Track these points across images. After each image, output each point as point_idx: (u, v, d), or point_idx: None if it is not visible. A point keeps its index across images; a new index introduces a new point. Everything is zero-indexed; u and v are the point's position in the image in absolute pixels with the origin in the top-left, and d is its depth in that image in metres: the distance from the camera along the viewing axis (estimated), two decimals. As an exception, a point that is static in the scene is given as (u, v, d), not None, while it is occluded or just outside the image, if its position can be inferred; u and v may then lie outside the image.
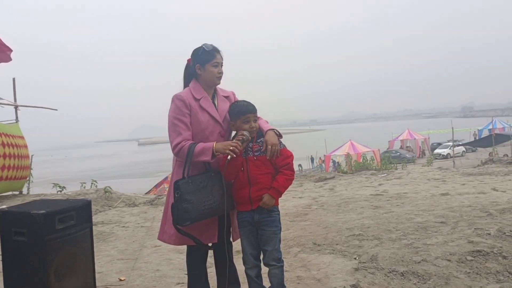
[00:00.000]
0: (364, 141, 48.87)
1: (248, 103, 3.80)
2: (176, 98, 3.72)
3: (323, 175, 16.98)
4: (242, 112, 3.74)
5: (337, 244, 6.04)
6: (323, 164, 40.25)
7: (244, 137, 3.61)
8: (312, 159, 47.49)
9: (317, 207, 9.12)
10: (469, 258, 5.16)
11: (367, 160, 33.06)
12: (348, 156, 36.18)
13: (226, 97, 3.93)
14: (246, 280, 3.87)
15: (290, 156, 3.78)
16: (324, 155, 41.85)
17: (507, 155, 22.13)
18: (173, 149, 3.65)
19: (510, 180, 11.04)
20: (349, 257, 5.41)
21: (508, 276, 4.81)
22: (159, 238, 3.87)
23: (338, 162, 39.26)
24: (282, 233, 6.88)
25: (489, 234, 5.85)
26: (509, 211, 7.26)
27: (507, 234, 5.85)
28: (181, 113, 3.66)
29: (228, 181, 3.66)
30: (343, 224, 7.16)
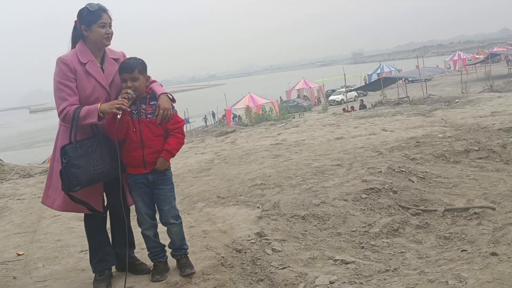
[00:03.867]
0: (262, 93, 49.52)
1: (129, 61, 3.65)
2: (61, 62, 3.51)
3: (224, 129, 17.09)
4: (119, 71, 3.63)
5: (240, 195, 6.16)
6: (224, 119, 40.40)
7: (129, 95, 3.49)
8: (213, 114, 47.48)
9: (220, 161, 9.19)
10: (363, 196, 5.49)
11: (266, 111, 33.73)
12: (247, 108, 36.64)
13: (116, 59, 3.74)
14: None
15: (181, 121, 3.79)
16: (225, 109, 41.98)
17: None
18: (59, 115, 3.50)
19: (397, 120, 11.77)
20: (252, 206, 5.54)
21: (399, 209, 5.20)
22: (43, 202, 3.77)
23: (238, 116, 39.63)
24: (186, 189, 6.94)
25: (381, 172, 6.23)
26: (397, 149, 7.77)
27: (396, 170, 6.27)
28: (66, 78, 3.47)
29: (119, 141, 3.54)
30: (246, 175, 7.29)
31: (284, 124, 15.16)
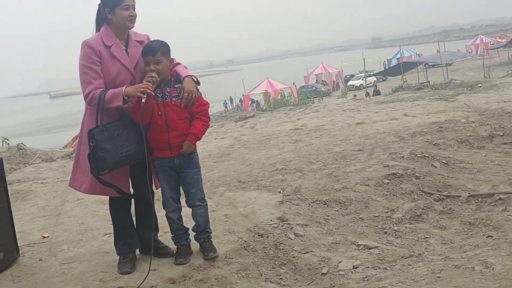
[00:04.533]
0: (280, 78, 49.26)
1: (151, 44, 3.63)
2: (86, 45, 3.52)
3: (243, 114, 17.07)
4: (142, 54, 3.62)
5: (261, 180, 6.15)
6: (242, 104, 40.33)
7: (154, 79, 3.49)
8: (231, 100, 47.43)
9: (240, 146, 9.20)
10: (385, 181, 5.44)
11: (285, 96, 33.56)
12: (266, 94, 36.50)
13: (140, 42, 3.74)
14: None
15: (206, 104, 3.78)
16: (243, 95, 41.90)
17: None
18: (84, 99, 3.52)
19: (419, 105, 11.63)
20: (273, 191, 5.54)
21: (421, 195, 5.15)
22: (70, 185, 3.79)
23: (257, 101, 39.53)
24: (207, 174, 6.95)
25: (403, 157, 6.18)
26: (419, 134, 7.68)
27: (418, 155, 6.21)
28: (91, 61, 3.48)
29: (144, 124, 3.55)
30: (266, 160, 7.28)
31: (303, 109, 15.09)
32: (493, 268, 3.03)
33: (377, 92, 28.32)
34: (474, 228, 4.22)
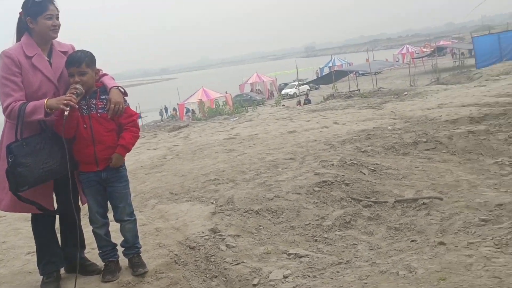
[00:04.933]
0: (216, 87, 49.25)
1: (76, 54, 3.51)
2: (4, 55, 3.35)
3: (177, 124, 16.92)
4: (66, 66, 3.49)
5: (194, 191, 6.10)
6: (177, 113, 39.95)
7: (78, 90, 3.37)
8: (166, 109, 46.87)
9: (173, 156, 9.09)
10: (316, 189, 5.54)
11: (219, 105, 33.59)
12: (201, 103, 36.38)
13: (64, 52, 3.60)
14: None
15: (134, 115, 3.71)
16: (178, 104, 41.51)
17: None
18: (3, 112, 3.34)
19: (349, 113, 11.97)
20: (206, 202, 5.50)
21: (351, 202, 5.29)
22: None
23: (192, 110, 39.28)
24: (138, 186, 6.81)
25: (333, 164, 6.31)
26: (349, 141, 7.89)
27: (348, 163, 6.37)
28: (11, 72, 3.32)
29: (68, 138, 3.42)
30: (199, 171, 7.23)
31: (237, 118, 15.16)
32: (415, 272, 3.14)
33: (308, 101, 28.82)
34: (399, 233, 4.38)
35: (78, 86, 3.40)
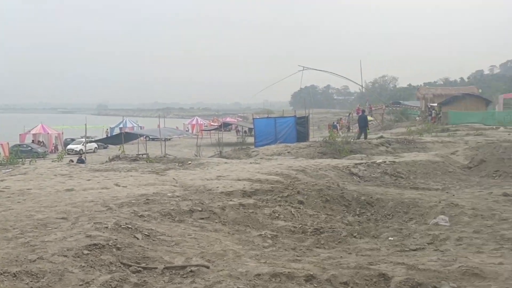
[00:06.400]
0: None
1: None
2: None
3: None
4: None
5: None
6: None
7: None
8: None
9: None
10: (85, 252, 5.32)
11: (-9, 154, 30.43)
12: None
13: None
14: None
15: None
16: None
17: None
18: None
19: (131, 176, 11.89)
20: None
21: (120, 266, 5.18)
22: None
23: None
24: None
25: (107, 227, 6.17)
26: (127, 205, 7.82)
27: (122, 226, 6.29)
28: None
29: None
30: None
31: (11, 169, 13.90)
32: None
33: (81, 161, 27.42)
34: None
35: None
